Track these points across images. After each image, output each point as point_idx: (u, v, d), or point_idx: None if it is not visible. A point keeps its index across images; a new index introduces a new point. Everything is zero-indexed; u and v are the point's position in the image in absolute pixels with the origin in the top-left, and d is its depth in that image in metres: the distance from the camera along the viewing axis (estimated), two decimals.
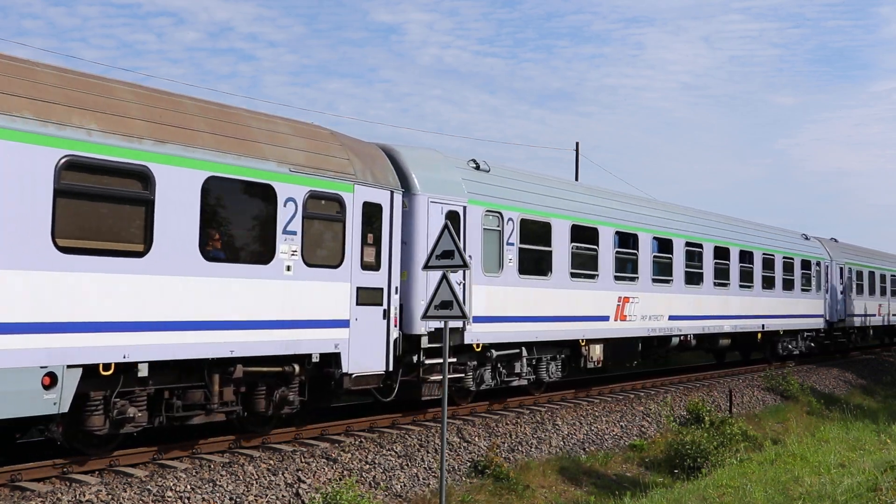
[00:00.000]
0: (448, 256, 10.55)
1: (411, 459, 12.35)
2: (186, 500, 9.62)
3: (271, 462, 11.04)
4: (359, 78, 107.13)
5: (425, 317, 10.80)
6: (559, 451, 14.69)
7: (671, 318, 20.44)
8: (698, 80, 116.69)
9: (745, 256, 24.71)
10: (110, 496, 9.20)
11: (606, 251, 18.14)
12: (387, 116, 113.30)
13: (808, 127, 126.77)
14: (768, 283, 26.04)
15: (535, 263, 16.16)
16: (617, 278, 18.51)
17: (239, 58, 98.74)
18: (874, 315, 36.00)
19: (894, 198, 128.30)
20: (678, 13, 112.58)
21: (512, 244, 15.51)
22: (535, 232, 16.26)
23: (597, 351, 18.05)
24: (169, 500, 9.50)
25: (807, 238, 30.53)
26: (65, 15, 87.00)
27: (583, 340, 17.47)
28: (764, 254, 25.74)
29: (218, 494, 9.89)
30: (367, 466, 11.74)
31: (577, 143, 34.83)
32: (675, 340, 21.01)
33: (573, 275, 17.06)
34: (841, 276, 32.19)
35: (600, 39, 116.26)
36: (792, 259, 27.84)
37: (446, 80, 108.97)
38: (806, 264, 29.03)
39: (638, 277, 19.24)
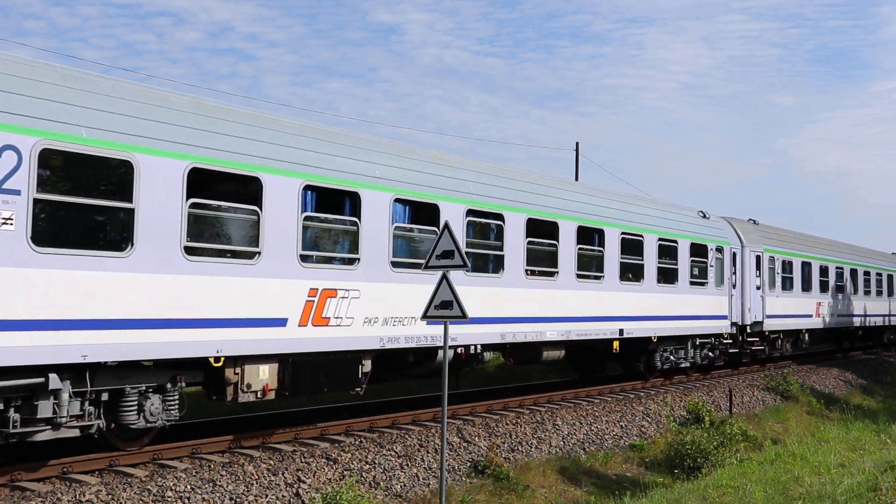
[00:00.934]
0: (448, 256, 10.32)
1: (411, 459, 12.22)
2: (186, 500, 9.47)
3: (271, 462, 10.86)
4: (359, 78, 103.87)
5: (425, 317, 10.59)
6: (559, 451, 14.58)
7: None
8: (698, 80, 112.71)
9: (590, 236, 17.91)
10: (110, 496, 9.06)
11: (281, 216, 11.35)
12: (387, 116, 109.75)
13: (808, 127, 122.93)
14: (633, 273, 19.24)
15: (84, 229, 9.46)
16: (307, 259, 11.77)
17: (239, 58, 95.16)
18: (809, 316, 29.20)
19: (894, 198, 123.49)
20: (678, 13, 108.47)
21: (15, 193, 8.74)
22: (87, 176, 9.50)
23: (262, 374, 11.32)
24: (169, 500, 9.35)
25: (705, 216, 23.65)
26: (65, 15, 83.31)
27: (218, 359, 10.73)
28: (624, 233, 18.90)
29: (218, 494, 9.76)
30: (367, 466, 11.60)
31: (577, 143, 34.62)
32: (442, 354, 14.17)
33: (192, 251, 10.30)
34: (758, 267, 25.39)
35: (600, 39, 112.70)
36: (675, 242, 20.99)
37: (446, 80, 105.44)
38: (700, 250, 22.20)
39: (359, 259, 12.51)
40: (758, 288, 25.11)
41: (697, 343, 22.26)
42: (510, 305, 15.34)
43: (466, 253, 13.90)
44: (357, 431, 13.22)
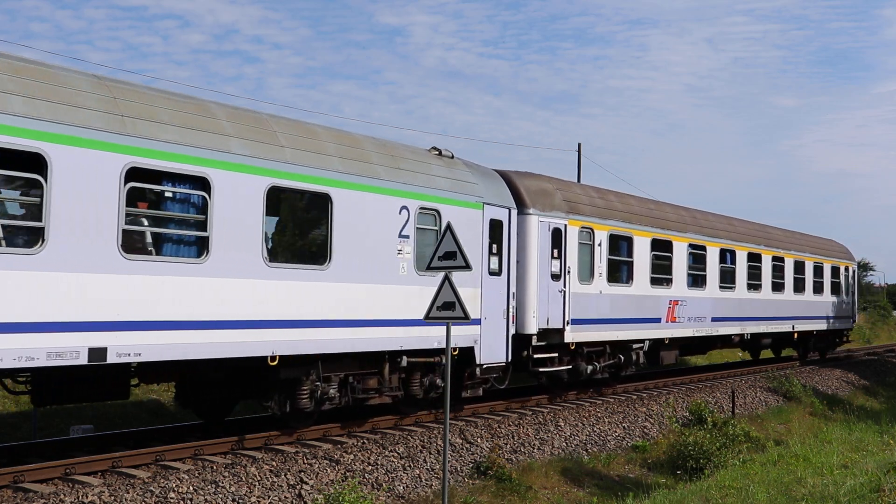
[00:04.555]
0: (450, 257, 10.25)
1: (414, 461, 12.27)
2: (189, 502, 9.53)
3: (273, 463, 10.90)
4: (363, 80, 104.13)
5: (427, 318, 10.44)
6: (561, 453, 14.60)
7: None
8: (702, 82, 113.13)
9: None
10: (113, 497, 9.14)
11: None
12: (391, 118, 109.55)
13: (812, 128, 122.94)
14: None
15: None
16: None
17: (244, 60, 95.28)
18: None
19: None
20: (682, 15, 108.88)
21: None
22: None
23: None
24: (171, 501, 9.44)
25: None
26: (71, 18, 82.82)
27: None
28: None
29: (220, 496, 9.79)
30: (370, 468, 11.66)
31: (580, 145, 35.96)
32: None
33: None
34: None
35: (604, 41, 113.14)
36: None
37: (451, 82, 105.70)
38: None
39: None
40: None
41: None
42: None
43: None
44: (359, 433, 13.27)
